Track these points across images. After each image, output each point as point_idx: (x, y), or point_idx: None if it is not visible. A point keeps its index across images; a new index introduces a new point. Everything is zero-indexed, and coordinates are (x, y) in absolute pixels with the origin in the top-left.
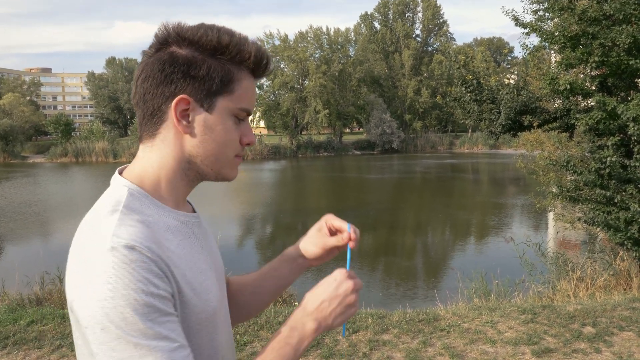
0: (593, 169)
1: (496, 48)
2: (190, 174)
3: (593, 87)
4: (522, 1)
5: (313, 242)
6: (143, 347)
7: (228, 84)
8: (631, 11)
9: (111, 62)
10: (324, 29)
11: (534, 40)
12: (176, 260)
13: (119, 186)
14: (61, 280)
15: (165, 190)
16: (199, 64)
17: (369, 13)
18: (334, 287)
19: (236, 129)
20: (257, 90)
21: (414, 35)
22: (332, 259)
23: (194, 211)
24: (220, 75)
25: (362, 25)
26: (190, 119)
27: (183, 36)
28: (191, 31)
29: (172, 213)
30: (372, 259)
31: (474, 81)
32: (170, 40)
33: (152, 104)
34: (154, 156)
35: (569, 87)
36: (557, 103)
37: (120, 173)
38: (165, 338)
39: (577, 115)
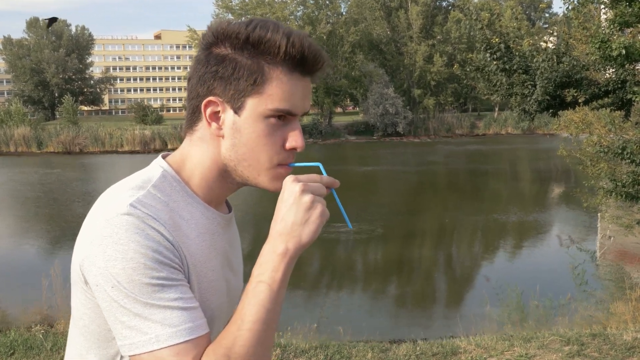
0: None
1: (530, 2)
2: (227, 177)
3: None
4: None
5: None
6: (153, 306)
7: (256, 84)
8: None
9: (33, 24)
10: None
11: None
12: (192, 249)
13: (156, 166)
14: None
15: (198, 185)
16: (226, 63)
17: None
18: (284, 199)
19: (274, 133)
20: None
21: None
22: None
23: (228, 212)
24: (247, 74)
25: None
26: (221, 121)
27: (222, 34)
28: (229, 28)
29: (200, 205)
30: (372, 275)
31: (502, 45)
32: (211, 41)
33: (193, 103)
34: (194, 152)
35: (624, 52)
36: (609, 73)
37: (163, 157)
38: (178, 299)
39: (636, 89)
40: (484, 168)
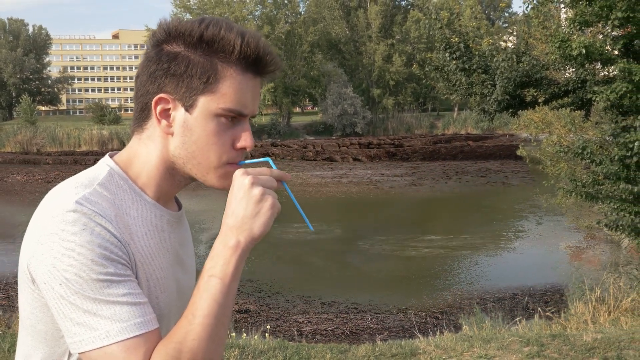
0: (617, 157)
1: (490, 1)
2: (176, 174)
3: (615, 52)
4: None
5: None
6: (101, 302)
7: (209, 82)
8: None
9: None
10: None
11: None
12: (139, 246)
13: (102, 164)
14: None
15: (146, 183)
16: (179, 61)
17: None
18: (234, 193)
19: (224, 132)
20: None
21: None
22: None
23: (178, 209)
24: (200, 72)
25: None
26: (171, 118)
27: (174, 32)
28: (182, 26)
29: (147, 204)
30: (326, 279)
31: (461, 45)
32: (162, 38)
33: (142, 101)
34: (141, 150)
35: (584, 51)
36: (569, 72)
37: (111, 157)
38: (127, 294)
39: (595, 88)
40: (438, 169)
